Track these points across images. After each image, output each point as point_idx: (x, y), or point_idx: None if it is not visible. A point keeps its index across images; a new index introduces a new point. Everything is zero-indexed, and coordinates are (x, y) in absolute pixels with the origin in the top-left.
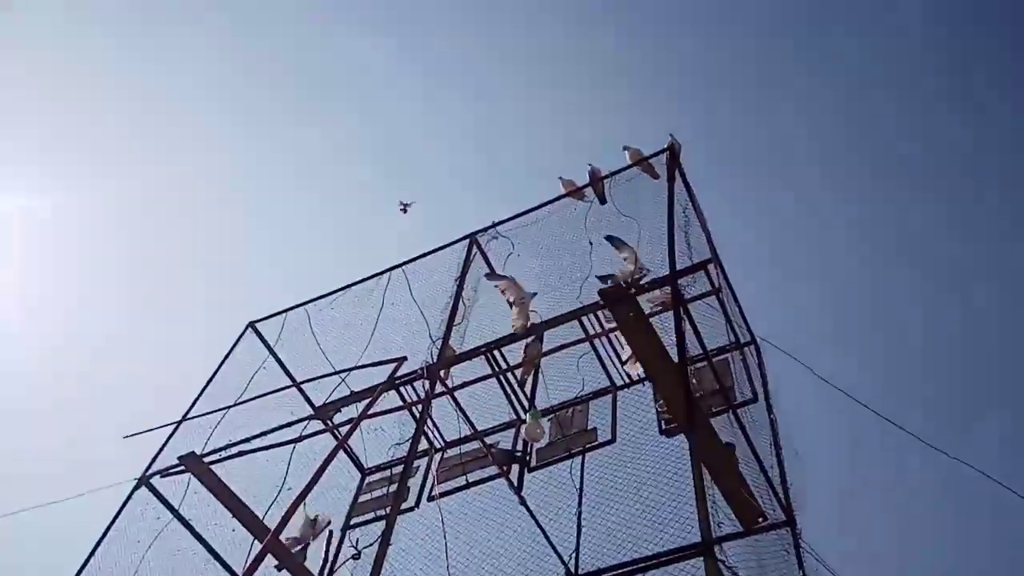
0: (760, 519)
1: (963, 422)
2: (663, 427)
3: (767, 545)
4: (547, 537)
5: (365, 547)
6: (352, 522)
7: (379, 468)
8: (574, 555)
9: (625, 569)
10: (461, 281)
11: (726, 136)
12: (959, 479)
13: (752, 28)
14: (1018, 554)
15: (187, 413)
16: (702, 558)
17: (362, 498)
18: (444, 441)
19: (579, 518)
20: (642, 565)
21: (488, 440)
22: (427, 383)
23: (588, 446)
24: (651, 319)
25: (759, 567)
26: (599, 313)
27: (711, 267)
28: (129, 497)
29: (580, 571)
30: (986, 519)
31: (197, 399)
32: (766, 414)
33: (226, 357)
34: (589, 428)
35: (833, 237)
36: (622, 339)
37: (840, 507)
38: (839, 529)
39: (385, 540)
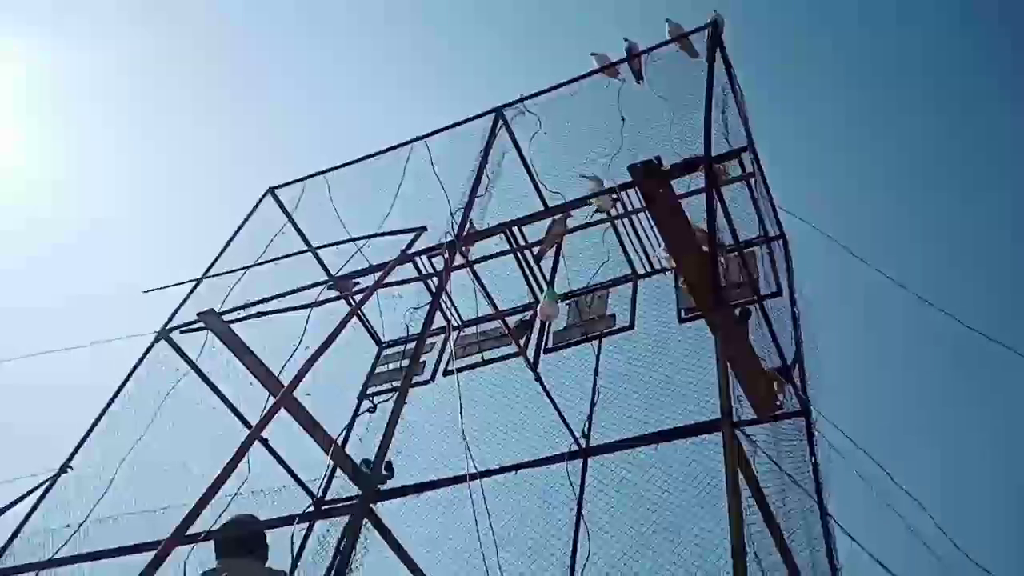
0: (777, 405)
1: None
2: (682, 315)
3: (786, 428)
4: (560, 413)
5: (381, 402)
6: (368, 392)
7: (395, 343)
8: (586, 430)
9: (637, 443)
10: (485, 155)
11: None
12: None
13: None
14: None
15: (207, 272)
16: (720, 434)
17: (379, 369)
18: (460, 319)
19: (593, 395)
20: (658, 439)
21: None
22: (447, 254)
23: (606, 331)
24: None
25: (776, 451)
26: (624, 196)
27: (745, 154)
28: (149, 349)
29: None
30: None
31: (216, 260)
32: (789, 307)
33: (245, 220)
34: (608, 314)
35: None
36: (645, 227)
37: (858, 401)
38: (854, 421)
39: (401, 397)
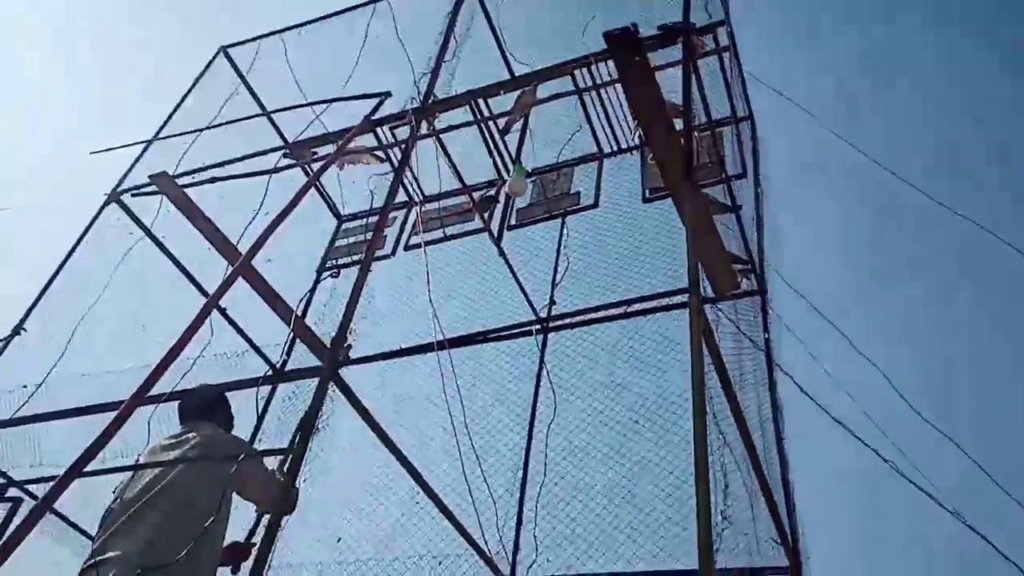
0: (737, 284)
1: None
2: (646, 195)
3: (744, 307)
4: (521, 287)
5: (344, 266)
6: (327, 264)
7: (355, 216)
8: (549, 302)
9: (602, 314)
10: (452, 18)
11: None
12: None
13: None
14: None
15: (158, 133)
16: (687, 300)
17: (338, 243)
18: (423, 194)
19: (555, 271)
20: (623, 309)
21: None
22: (413, 122)
23: (570, 209)
24: None
25: (737, 323)
26: (594, 70)
27: (720, 29)
28: (99, 212)
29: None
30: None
31: (166, 122)
32: (753, 188)
33: (196, 81)
34: (572, 192)
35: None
36: (614, 102)
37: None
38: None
39: (365, 265)
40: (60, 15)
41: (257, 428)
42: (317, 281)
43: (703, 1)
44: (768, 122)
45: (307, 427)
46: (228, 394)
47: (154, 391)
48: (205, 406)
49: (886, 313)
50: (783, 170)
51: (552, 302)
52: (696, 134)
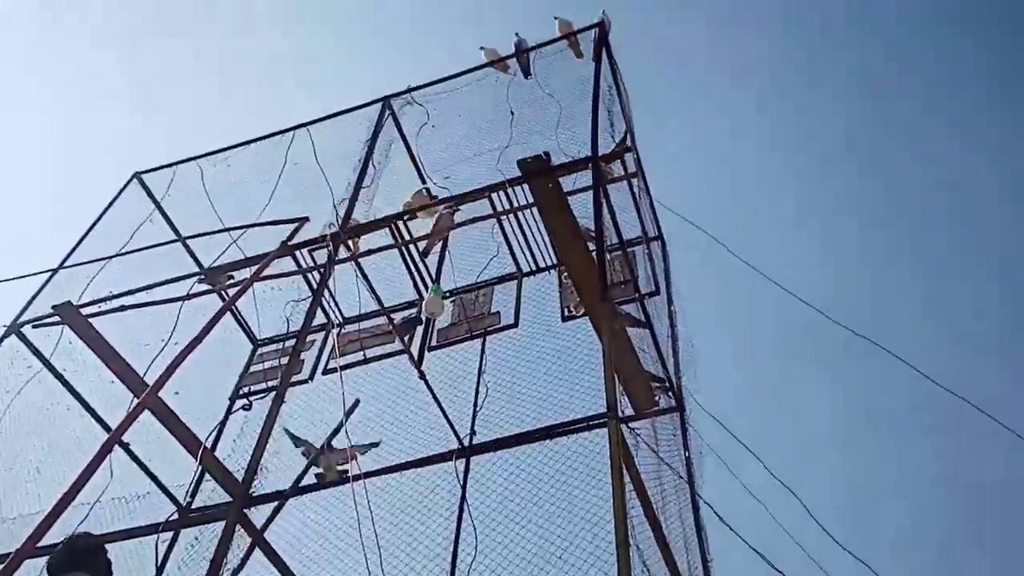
0: (655, 402)
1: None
2: (565, 314)
3: (662, 425)
4: (444, 412)
5: (257, 398)
6: (240, 391)
7: (272, 340)
8: (471, 430)
9: (519, 440)
10: (371, 145)
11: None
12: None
13: None
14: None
15: (64, 261)
16: (605, 429)
17: (253, 368)
18: (342, 316)
19: (476, 396)
20: (543, 434)
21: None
22: (331, 246)
23: (490, 328)
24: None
25: (656, 443)
26: (511, 192)
27: (628, 155)
28: None
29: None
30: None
31: (75, 248)
32: (666, 306)
33: (107, 208)
34: (492, 312)
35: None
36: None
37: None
38: (727, 413)
39: (279, 396)
40: None
41: (158, 573)
42: (228, 412)
43: (611, 132)
44: (680, 240)
45: None
46: (130, 541)
47: (48, 540)
48: (81, 557)
49: (805, 431)
50: (697, 286)
51: (472, 432)
52: (609, 255)
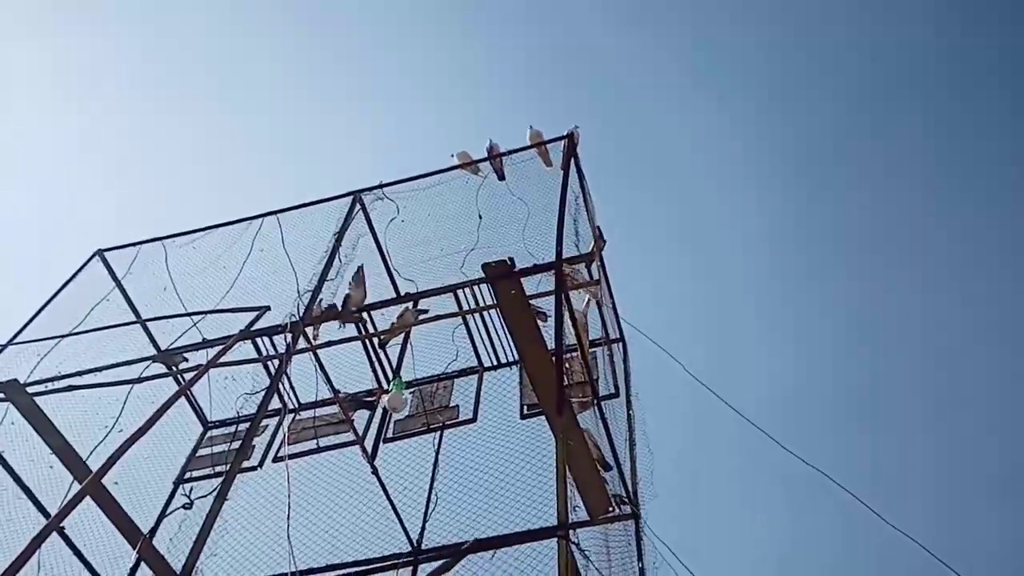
0: (609, 509)
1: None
2: (524, 411)
3: (615, 532)
4: (395, 510)
5: (199, 497)
6: (186, 475)
7: (223, 423)
8: (421, 530)
9: (471, 550)
10: (339, 237)
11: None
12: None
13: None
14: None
15: (14, 337)
16: (555, 540)
17: (201, 451)
18: (298, 402)
19: (430, 493)
20: (494, 545)
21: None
22: (290, 337)
23: (448, 422)
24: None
25: (607, 554)
26: (475, 291)
27: (593, 261)
28: None
29: (427, 547)
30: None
31: (28, 323)
32: (625, 409)
33: (66, 284)
34: (452, 405)
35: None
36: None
37: (688, 501)
38: (683, 521)
39: (222, 494)
40: None
41: None
42: (171, 496)
43: (575, 239)
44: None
45: None
46: None
47: None
48: None
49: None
50: (660, 390)
51: (420, 538)
52: (568, 355)
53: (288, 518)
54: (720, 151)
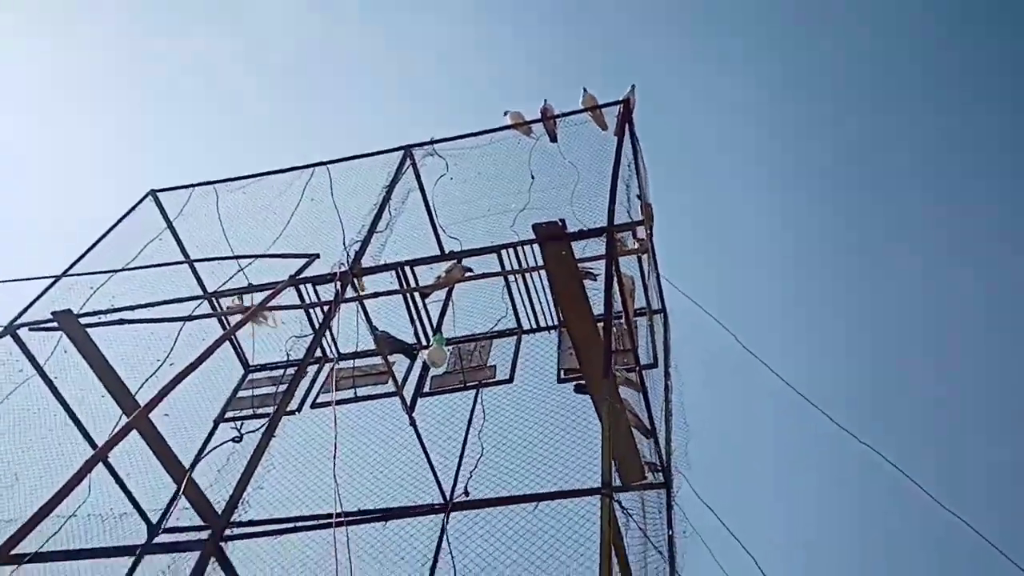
0: (641, 478)
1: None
2: (561, 375)
3: (652, 499)
4: (430, 461)
5: (248, 432)
6: (227, 415)
7: (264, 367)
8: (454, 482)
9: (508, 501)
10: (389, 191)
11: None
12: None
13: None
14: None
15: (68, 268)
16: (598, 497)
17: (242, 393)
18: (338, 352)
19: (463, 447)
20: (535, 500)
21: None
22: (339, 285)
23: (485, 381)
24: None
25: (644, 518)
26: (520, 252)
27: (640, 228)
28: None
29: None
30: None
31: (81, 257)
32: (664, 380)
33: (119, 221)
34: (489, 364)
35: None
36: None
37: (727, 473)
38: (718, 492)
39: (270, 430)
40: None
41: None
42: (210, 434)
43: (626, 206)
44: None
45: None
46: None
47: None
48: None
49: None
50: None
51: (454, 487)
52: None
53: (335, 458)
54: (746, 151)
